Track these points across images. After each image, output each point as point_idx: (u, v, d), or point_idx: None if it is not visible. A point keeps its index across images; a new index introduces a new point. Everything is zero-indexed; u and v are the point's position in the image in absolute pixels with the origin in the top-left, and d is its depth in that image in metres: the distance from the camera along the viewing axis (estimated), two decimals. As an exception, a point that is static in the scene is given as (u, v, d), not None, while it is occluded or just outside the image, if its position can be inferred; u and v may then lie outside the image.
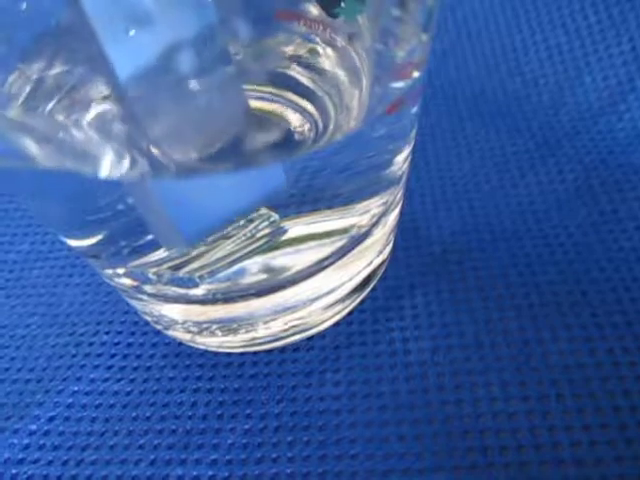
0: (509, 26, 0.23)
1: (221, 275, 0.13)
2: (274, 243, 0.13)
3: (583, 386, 0.14)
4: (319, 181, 0.12)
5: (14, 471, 0.14)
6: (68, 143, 0.12)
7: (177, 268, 0.13)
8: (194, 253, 0.13)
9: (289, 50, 0.14)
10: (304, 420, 0.14)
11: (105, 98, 0.13)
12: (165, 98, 0.11)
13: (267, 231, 0.12)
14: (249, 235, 0.12)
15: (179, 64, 0.11)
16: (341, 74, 0.14)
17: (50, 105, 0.12)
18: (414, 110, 0.13)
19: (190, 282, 0.13)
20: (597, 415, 0.13)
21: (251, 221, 0.12)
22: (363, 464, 0.13)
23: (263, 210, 0.12)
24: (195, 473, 0.14)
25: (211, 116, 0.13)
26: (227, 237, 0.12)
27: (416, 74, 0.12)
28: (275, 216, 0.12)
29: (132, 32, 0.10)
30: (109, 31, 0.10)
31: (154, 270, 0.13)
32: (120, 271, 0.14)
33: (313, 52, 0.14)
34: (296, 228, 0.13)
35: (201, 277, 0.13)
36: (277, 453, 0.14)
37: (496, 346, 0.15)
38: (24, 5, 0.12)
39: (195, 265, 0.13)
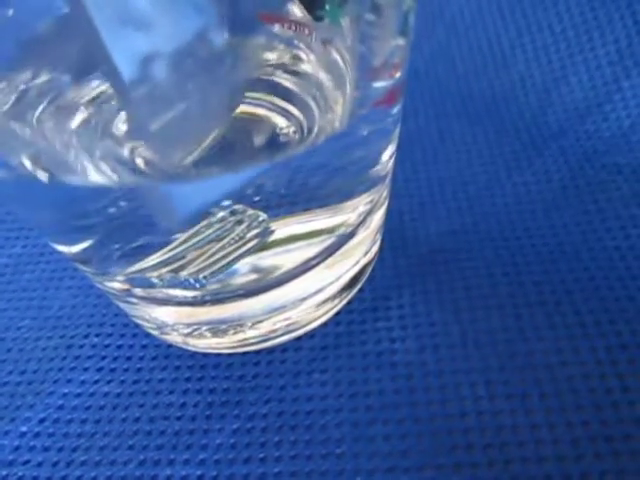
0: (496, 27, 0.23)
1: (213, 277, 0.13)
2: (265, 244, 0.13)
3: (566, 384, 0.14)
4: (306, 181, 0.12)
5: (4, 472, 0.14)
6: (53, 153, 0.12)
7: (175, 271, 0.13)
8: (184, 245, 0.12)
9: (273, 58, 0.14)
10: (291, 420, 0.14)
11: (91, 101, 0.13)
12: (156, 97, 0.11)
13: (256, 231, 0.13)
14: (238, 237, 0.13)
15: (166, 66, 0.11)
16: (324, 77, 0.14)
17: (37, 112, 0.12)
18: (396, 109, 0.13)
19: (197, 283, 0.13)
20: (579, 413, 0.14)
21: (240, 222, 0.12)
22: (349, 463, 0.14)
23: (250, 211, 0.12)
24: (184, 473, 0.14)
25: (198, 118, 0.13)
26: (218, 240, 0.13)
27: (397, 74, 0.12)
28: (264, 216, 0.12)
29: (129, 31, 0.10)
30: (109, 28, 0.10)
31: (156, 274, 0.13)
32: (113, 275, 0.14)
33: (296, 58, 0.14)
34: (285, 228, 0.13)
35: (205, 278, 0.13)
36: (264, 453, 0.14)
37: (481, 345, 0.15)
38: (10, 12, 0.12)
39: (192, 269, 0.13)
